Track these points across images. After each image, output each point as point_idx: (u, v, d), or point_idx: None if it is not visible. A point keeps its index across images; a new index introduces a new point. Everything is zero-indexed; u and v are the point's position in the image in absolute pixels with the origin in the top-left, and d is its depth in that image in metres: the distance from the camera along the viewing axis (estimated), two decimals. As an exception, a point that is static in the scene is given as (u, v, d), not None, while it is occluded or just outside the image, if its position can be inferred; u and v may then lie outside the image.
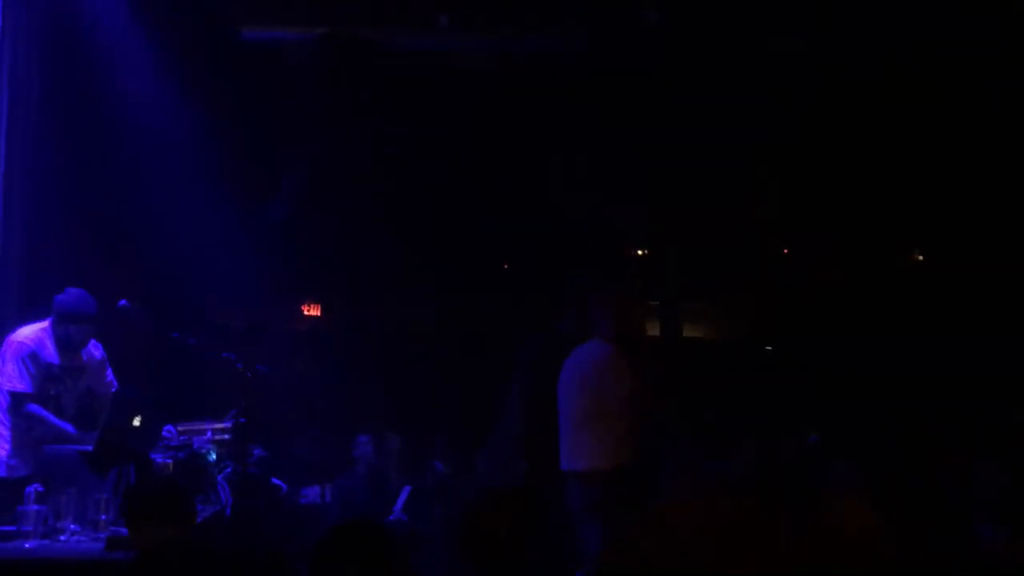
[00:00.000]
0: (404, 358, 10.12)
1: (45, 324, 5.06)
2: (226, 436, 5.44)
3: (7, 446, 5.00)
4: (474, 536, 2.74)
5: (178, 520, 3.39)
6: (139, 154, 6.71)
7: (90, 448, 4.52)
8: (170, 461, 4.78)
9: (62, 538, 3.97)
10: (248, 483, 5.25)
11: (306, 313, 10.58)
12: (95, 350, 5.29)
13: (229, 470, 5.21)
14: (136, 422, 4.69)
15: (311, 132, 8.60)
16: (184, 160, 6.91)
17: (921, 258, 11.07)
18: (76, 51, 6.30)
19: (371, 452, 6.73)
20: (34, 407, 4.96)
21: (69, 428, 4.94)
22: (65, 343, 5.06)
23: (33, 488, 4.10)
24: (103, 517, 4.03)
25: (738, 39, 7.87)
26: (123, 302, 5.24)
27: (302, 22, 8.02)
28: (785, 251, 11.34)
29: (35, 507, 4.00)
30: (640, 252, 10.74)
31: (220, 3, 7.53)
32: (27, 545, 3.87)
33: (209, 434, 5.38)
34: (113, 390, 5.25)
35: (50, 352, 5.04)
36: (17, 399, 4.95)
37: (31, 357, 4.97)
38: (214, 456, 5.21)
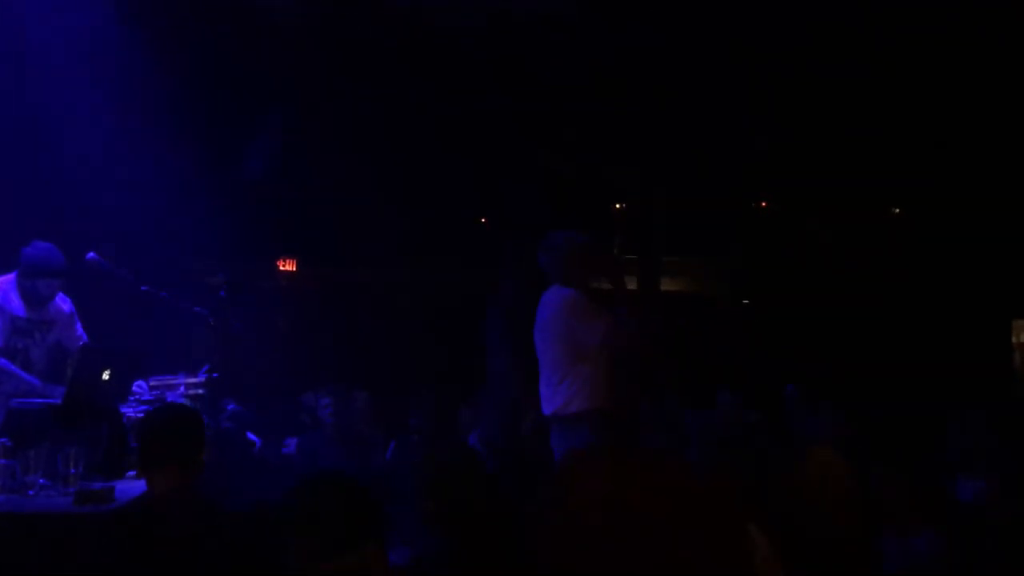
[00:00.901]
0: (381, 314, 10.07)
1: (10, 277, 4.96)
2: (200, 391, 5.37)
3: (-27, 400, 4.92)
4: (433, 495, 2.71)
5: (190, 466, 3.30)
6: (115, 107, 6.58)
7: (59, 402, 4.45)
8: (142, 415, 4.71)
9: (31, 492, 3.89)
10: (222, 438, 5.19)
11: (281, 268, 10.50)
12: (63, 304, 5.20)
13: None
14: (105, 376, 4.61)
15: (289, 86, 8.45)
16: (161, 115, 6.78)
17: (898, 211, 11.08)
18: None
19: (330, 414, 6.65)
20: (1, 360, 4.87)
21: (36, 382, 4.86)
22: (31, 296, 4.97)
23: (1, 442, 4.02)
24: (72, 471, 3.96)
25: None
26: (92, 255, 5.14)
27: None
28: (764, 204, 11.32)
29: (3, 461, 3.92)
30: (619, 206, 10.68)
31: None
32: (-5, 500, 3.80)
33: (183, 389, 5.31)
34: (81, 344, 5.16)
35: (16, 305, 4.94)
36: (-19, 352, 4.87)
37: (-5, 309, 4.87)
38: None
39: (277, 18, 7.73)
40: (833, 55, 8.01)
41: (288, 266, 10.49)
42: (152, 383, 5.18)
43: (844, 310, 10.18)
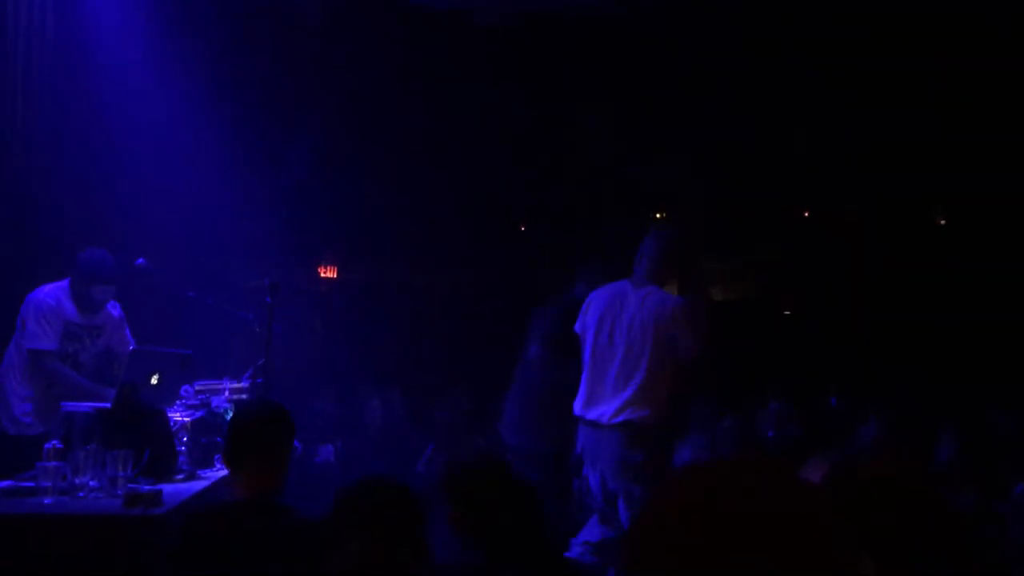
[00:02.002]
0: (420, 318, 10.09)
1: (63, 283, 5.05)
2: (244, 396, 5.42)
3: (27, 403, 5.01)
4: (451, 500, 2.71)
5: (284, 468, 3.15)
6: (161, 116, 6.67)
7: (108, 405, 4.51)
8: (188, 419, 4.77)
9: (80, 495, 3.95)
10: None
11: (322, 275, 10.57)
12: (113, 309, 5.28)
13: (247, 429, 5.15)
14: (154, 380, 4.67)
15: (328, 89, 8.52)
16: (201, 120, 6.86)
17: (944, 222, 10.94)
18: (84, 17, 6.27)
19: (380, 416, 6.69)
20: (54, 364, 4.96)
21: (88, 385, 4.94)
22: (85, 302, 5.05)
23: (52, 444, 4.08)
24: (121, 474, 4.01)
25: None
26: (141, 260, 5.22)
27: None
28: (806, 213, 11.23)
29: (54, 463, 3.97)
30: (659, 215, 10.64)
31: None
32: (46, 501, 3.85)
33: (227, 393, 5.35)
34: (131, 348, 5.23)
35: (69, 310, 5.03)
36: (37, 356, 4.96)
37: (51, 314, 4.96)
38: (231, 415, 5.17)
39: (320, 24, 7.80)
40: (880, 59, 7.94)
41: (329, 272, 10.56)
42: (197, 387, 5.23)
43: (887, 317, 10.06)
